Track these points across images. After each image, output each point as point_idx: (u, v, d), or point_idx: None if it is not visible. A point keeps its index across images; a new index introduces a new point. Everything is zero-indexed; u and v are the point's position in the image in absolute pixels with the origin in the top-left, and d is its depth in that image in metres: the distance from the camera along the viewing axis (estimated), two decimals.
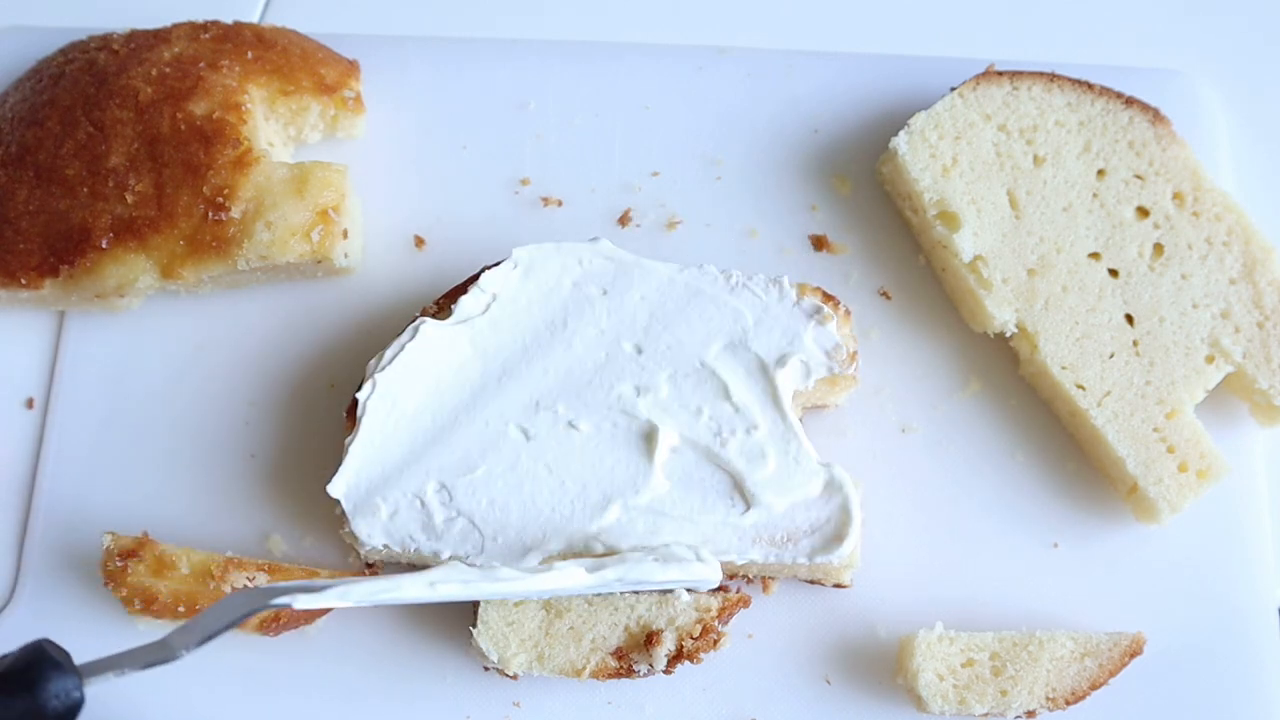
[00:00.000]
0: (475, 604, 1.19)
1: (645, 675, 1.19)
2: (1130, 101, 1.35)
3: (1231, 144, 1.42)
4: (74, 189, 1.29)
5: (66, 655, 0.99)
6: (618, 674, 1.18)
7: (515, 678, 1.20)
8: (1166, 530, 1.27)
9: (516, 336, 1.24)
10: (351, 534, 1.21)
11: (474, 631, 1.18)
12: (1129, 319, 1.28)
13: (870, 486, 1.28)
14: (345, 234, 1.32)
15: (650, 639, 1.18)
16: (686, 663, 1.18)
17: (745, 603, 1.22)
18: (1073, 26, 1.50)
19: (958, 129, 1.33)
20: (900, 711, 1.23)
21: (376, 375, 1.22)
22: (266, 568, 1.22)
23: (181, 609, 1.20)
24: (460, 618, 1.24)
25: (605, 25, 1.49)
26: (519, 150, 1.41)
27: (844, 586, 1.25)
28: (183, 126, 1.30)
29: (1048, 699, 1.18)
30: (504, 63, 1.44)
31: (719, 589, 1.21)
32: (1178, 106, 1.38)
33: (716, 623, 1.19)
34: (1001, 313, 1.28)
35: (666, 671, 1.18)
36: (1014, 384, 1.33)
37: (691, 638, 1.18)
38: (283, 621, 1.20)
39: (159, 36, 1.36)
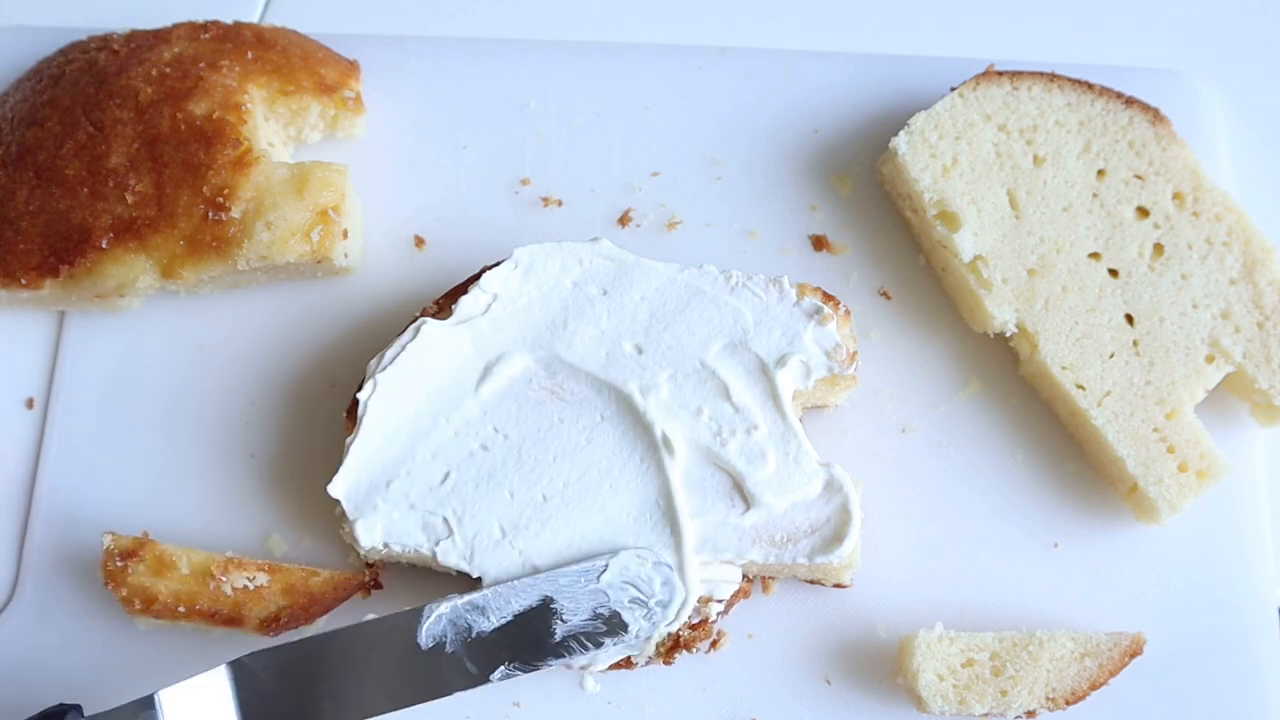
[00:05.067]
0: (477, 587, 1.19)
1: (644, 665, 1.20)
2: (1130, 101, 1.35)
3: (1231, 144, 1.42)
4: (74, 189, 1.29)
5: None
6: (617, 665, 1.18)
7: None
8: (1166, 530, 1.27)
9: (517, 336, 1.24)
10: (351, 534, 1.21)
11: None
12: (1129, 319, 1.28)
13: (870, 486, 1.28)
14: (345, 234, 1.32)
15: None
16: (684, 652, 1.18)
17: (745, 593, 1.23)
18: (1073, 26, 1.50)
19: (958, 129, 1.33)
20: (900, 711, 1.23)
21: (377, 375, 1.22)
22: (266, 568, 1.22)
23: (181, 609, 1.20)
24: None
25: (605, 25, 1.49)
26: (519, 150, 1.41)
27: (844, 586, 1.25)
28: (183, 126, 1.30)
29: (1048, 699, 1.18)
30: (504, 63, 1.44)
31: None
32: (1178, 106, 1.38)
33: (716, 613, 1.20)
34: (1001, 313, 1.28)
35: (666, 661, 1.19)
36: (1014, 384, 1.33)
37: (689, 627, 1.19)
38: (283, 621, 1.20)
39: (159, 36, 1.36)
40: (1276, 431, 1.32)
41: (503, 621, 1.14)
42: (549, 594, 1.15)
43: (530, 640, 1.15)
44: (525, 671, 1.14)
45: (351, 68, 1.39)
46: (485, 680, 1.13)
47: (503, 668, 1.14)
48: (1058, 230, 1.31)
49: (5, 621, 1.26)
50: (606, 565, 1.16)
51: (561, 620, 1.15)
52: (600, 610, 1.15)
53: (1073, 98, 1.35)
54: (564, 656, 1.15)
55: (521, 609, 1.15)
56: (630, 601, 1.15)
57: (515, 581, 1.16)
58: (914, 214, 1.35)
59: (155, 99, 1.31)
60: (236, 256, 1.28)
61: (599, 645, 1.15)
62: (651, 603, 1.16)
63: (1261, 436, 1.32)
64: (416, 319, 1.25)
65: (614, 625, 1.15)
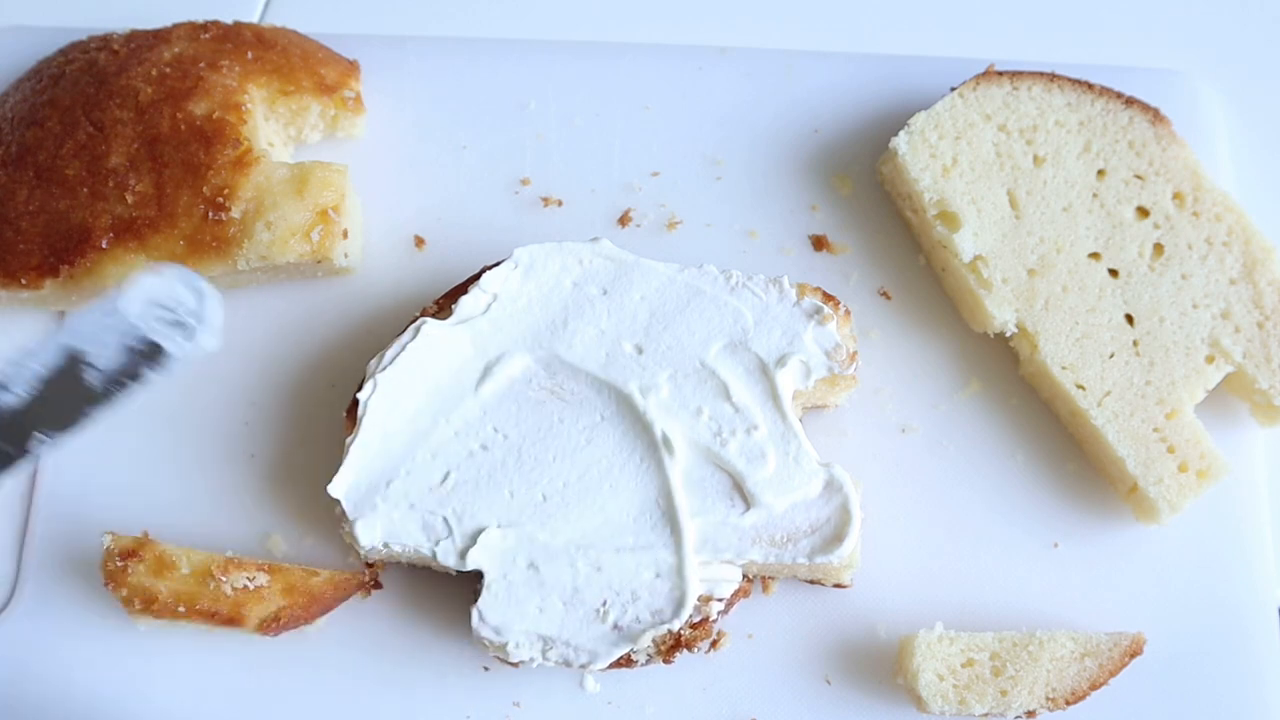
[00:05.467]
0: (477, 585, 1.19)
1: (645, 664, 1.19)
2: (1130, 101, 1.35)
3: (1231, 144, 1.42)
4: (74, 189, 1.29)
5: None
6: (617, 664, 1.18)
7: (517, 665, 1.20)
8: (1166, 530, 1.28)
9: (517, 336, 1.24)
10: (351, 534, 1.21)
11: (474, 614, 1.17)
12: (1129, 319, 1.29)
13: (870, 486, 1.28)
14: (345, 234, 1.32)
15: None
16: (684, 652, 1.18)
17: (745, 593, 1.23)
18: (1073, 26, 1.50)
19: (958, 129, 1.33)
20: (900, 711, 1.23)
21: (377, 375, 1.22)
22: (266, 568, 1.22)
23: (181, 609, 1.20)
24: (462, 616, 1.24)
25: (605, 25, 1.49)
26: (519, 150, 1.41)
27: (844, 586, 1.25)
28: (183, 126, 1.30)
29: (1048, 699, 1.18)
30: (504, 63, 1.44)
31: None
32: (1178, 106, 1.38)
33: (716, 612, 1.20)
34: (1001, 313, 1.28)
35: (666, 661, 1.19)
36: (1014, 384, 1.33)
37: (690, 627, 1.19)
38: (283, 621, 1.20)
39: (159, 36, 1.36)
40: (1276, 431, 1.32)
41: (31, 392, 1.03)
42: (70, 345, 1.03)
43: (66, 400, 1.03)
44: (65, 433, 1.04)
45: (351, 68, 1.40)
46: (24, 455, 1.03)
47: (41, 436, 1.03)
48: (1058, 230, 1.31)
49: (5, 621, 1.26)
50: (122, 293, 1.04)
51: (95, 368, 1.03)
52: (134, 344, 1.03)
53: (1073, 98, 1.35)
54: (107, 403, 1.04)
55: (47, 371, 1.03)
56: (167, 325, 1.04)
57: (29, 346, 1.04)
58: (914, 214, 1.35)
59: (155, 99, 1.31)
60: (236, 256, 1.28)
61: (143, 379, 1.04)
62: (188, 319, 1.04)
63: (1261, 436, 1.32)
64: (416, 319, 1.25)
65: (153, 353, 1.04)
